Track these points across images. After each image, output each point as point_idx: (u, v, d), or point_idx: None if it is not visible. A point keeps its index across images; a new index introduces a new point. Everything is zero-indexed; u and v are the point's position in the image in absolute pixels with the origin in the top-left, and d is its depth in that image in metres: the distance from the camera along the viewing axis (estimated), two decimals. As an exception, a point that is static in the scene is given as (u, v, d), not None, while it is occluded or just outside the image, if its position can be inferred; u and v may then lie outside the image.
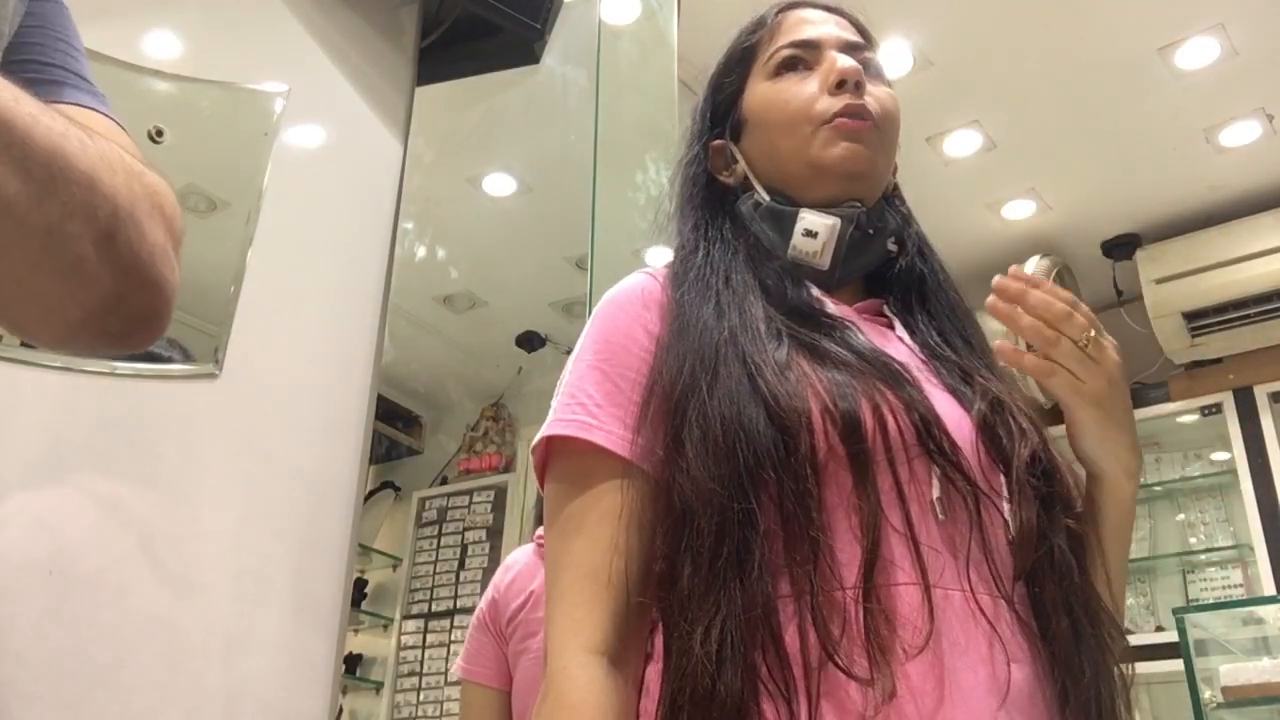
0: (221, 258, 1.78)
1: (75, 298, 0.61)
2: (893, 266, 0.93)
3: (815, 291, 0.86)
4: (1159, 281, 3.52)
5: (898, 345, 0.85)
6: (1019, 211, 3.55)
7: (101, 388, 1.57)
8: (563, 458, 0.78)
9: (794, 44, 0.91)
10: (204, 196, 1.83)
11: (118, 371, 1.59)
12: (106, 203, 0.60)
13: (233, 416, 1.72)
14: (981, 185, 3.40)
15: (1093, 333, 0.78)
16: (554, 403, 0.80)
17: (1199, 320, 3.49)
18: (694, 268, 0.85)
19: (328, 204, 2.00)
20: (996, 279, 0.79)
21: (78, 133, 0.59)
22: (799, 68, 0.91)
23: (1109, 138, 3.18)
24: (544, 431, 0.79)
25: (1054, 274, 3.51)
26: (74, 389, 1.54)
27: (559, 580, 0.75)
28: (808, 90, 0.88)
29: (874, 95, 0.89)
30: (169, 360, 1.65)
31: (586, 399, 0.78)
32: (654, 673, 0.73)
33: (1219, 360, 3.60)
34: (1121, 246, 3.68)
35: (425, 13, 2.29)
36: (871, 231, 0.88)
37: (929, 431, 0.73)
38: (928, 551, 0.70)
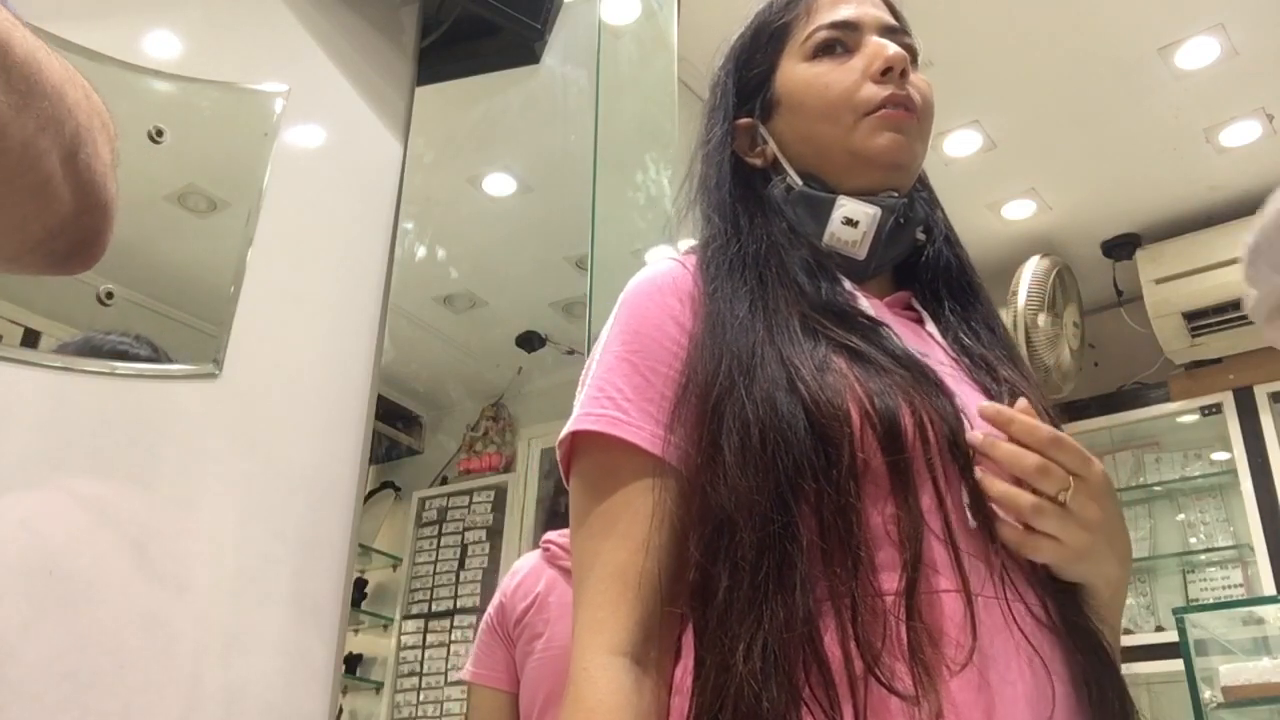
0: (221, 258, 1.78)
1: (40, 216, 0.58)
2: (920, 254, 0.91)
3: (848, 285, 0.84)
4: (1159, 281, 3.52)
5: (931, 344, 0.84)
6: (1019, 211, 3.55)
7: (101, 388, 1.57)
8: (591, 453, 0.76)
9: (833, 25, 0.88)
10: (204, 196, 1.83)
11: (118, 372, 1.59)
12: (71, 118, 0.57)
13: (233, 417, 1.71)
14: (981, 185, 3.40)
15: (1071, 487, 0.69)
16: (580, 395, 0.78)
17: (1199, 320, 3.50)
18: (726, 259, 0.82)
19: (328, 204, 2.00)
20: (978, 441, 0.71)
21: (43, 43, 0.56)
22: (838, 50, 0.88)
23: (1109, 138, 3.18)
24: (571, 426, 0.77)
25: (1054, 274, 3.51)
26: (74, 389, 1.54)
27: (585, 580, 0.73)
28: (850, 76, 0.86)
29: (914, 84, 0.87)
30: (151, 360, 1.65)
31: (616, 393, 0.75)
32: (682, 670, 0.72)
33: (1219, 360, 3.60)
34: (1121, 246, 3.69)
35: (425, 13, 2.29)
36: (903, 221, 0.86)
37: (959, 441, 0.71)
38: (967, 559, 0.68)
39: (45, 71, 0.55)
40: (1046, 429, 0.71)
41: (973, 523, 0.70)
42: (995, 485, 0.70)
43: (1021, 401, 0.74)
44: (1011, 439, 0.71)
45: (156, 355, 1.64)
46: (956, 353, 0.84)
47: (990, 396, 0.78)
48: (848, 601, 0.65)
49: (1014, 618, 0.68)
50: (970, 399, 0.76)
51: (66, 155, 0.58)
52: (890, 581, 0.67)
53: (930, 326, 0.87)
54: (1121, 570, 0.75)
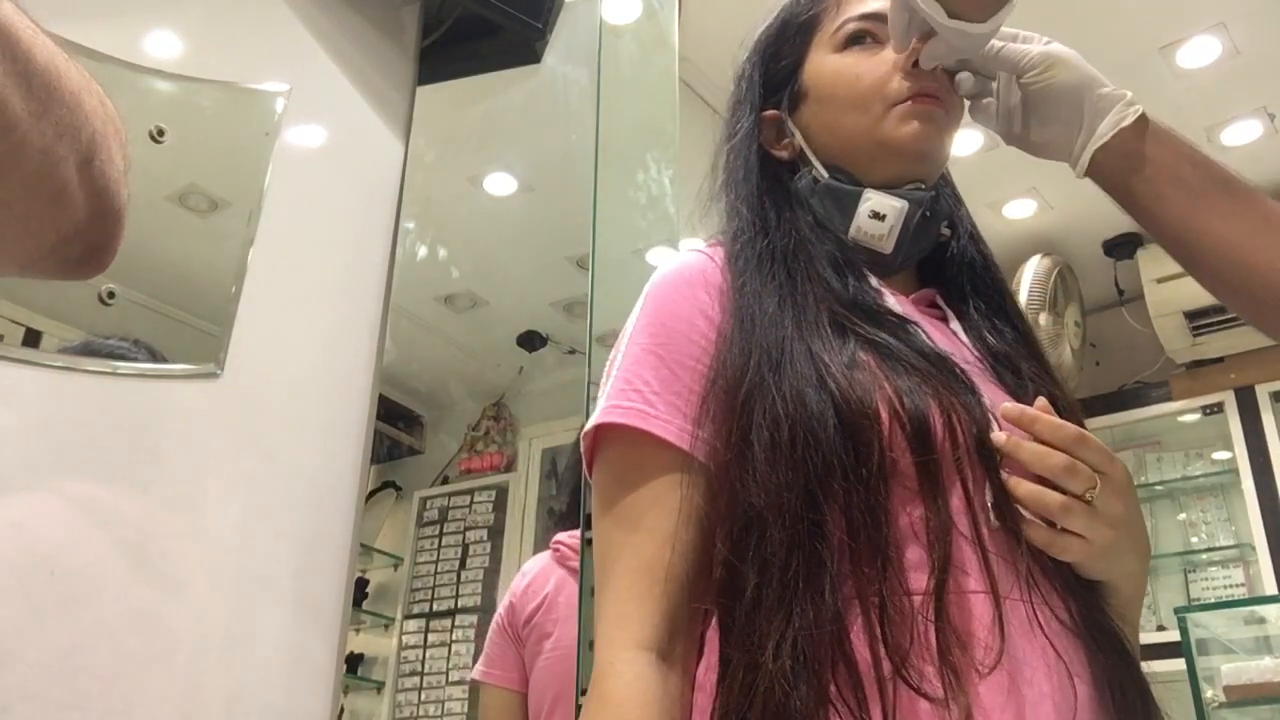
0: (222, 257, 1.78)
1: (55, 223, 0.59)
2: (944, 251, 0.91)
3: (874, 282, 0.83)
4: (1160, 281, 3.51)
5: (956, 343, 0.83)
6: (1020, 211, 3.55)
7: (103, 388, 1.57)
8: (616, 446, 0.75)
9: (864, 16, 0.88)
10: (205, 196, 1.83)
11: (119, 371, 1.59)
12: (87, 125, 0.58)
13: (234, 417, 1.71)
14: (982, 184, 3.40)
15: (1097, 486, 0.70)
16: (605, 387, 0.77)
17: (1200, 319, 3.49)
18: (754, 253, 0.81)
19: (329, 204, 2.00)
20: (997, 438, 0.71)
21: (61, 49, 0.57)
22: (867, 42, 0.88)
23: (1110, 137, 3.17)
24: (598, 418, 0.76)
25: (1055, 273, 3.51)
26: (74, 389, 1.54)
27: (610, 574, 0.72)
28: (881, 67, 0.86)
29: (943, 78, 0.87)
30: (137, 359, 1.65)
31: (643, 385, 0.75)
32: (704, 667, 0.71)
33: (1220, 359, 3.59)
34: (1122, 246, 3.68)
35: (426, 12, 2.29)
36: (929, 215, 0.86)
37: (986, 441, 0.71)
38: (995, 560, 0.68)
39: (64, 79, 0.55)
40: (1071, 427, 0.71)
41: (994, 523, 0.70)
42: (1022, 486, 0.70)
43: (1040, 400, 0.74)
44: (1036, 438, 0.71)
45: (154, 360, 1.65)
46: (981, 351, 0.84)
47: (1015, 395, 0.78)
48: (876, 602, 0.65)
49: (1039, 620, 0.68)
50: (996, 398, 0.76)
51: (82, 162, 0.58)
52: (919, 581, 0.66)
53: (955, 324, 0.86)
54: (1141, 565, 0.75)
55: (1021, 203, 3.50)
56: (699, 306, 0.78)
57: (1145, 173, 0.83)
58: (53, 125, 0.55)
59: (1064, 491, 0.70)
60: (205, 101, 1.82)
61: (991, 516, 0.70)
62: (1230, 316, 3.41)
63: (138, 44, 1.76)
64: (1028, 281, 3.47)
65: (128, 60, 1.71)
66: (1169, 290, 3.49)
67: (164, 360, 1.65)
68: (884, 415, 0.69)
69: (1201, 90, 2.96)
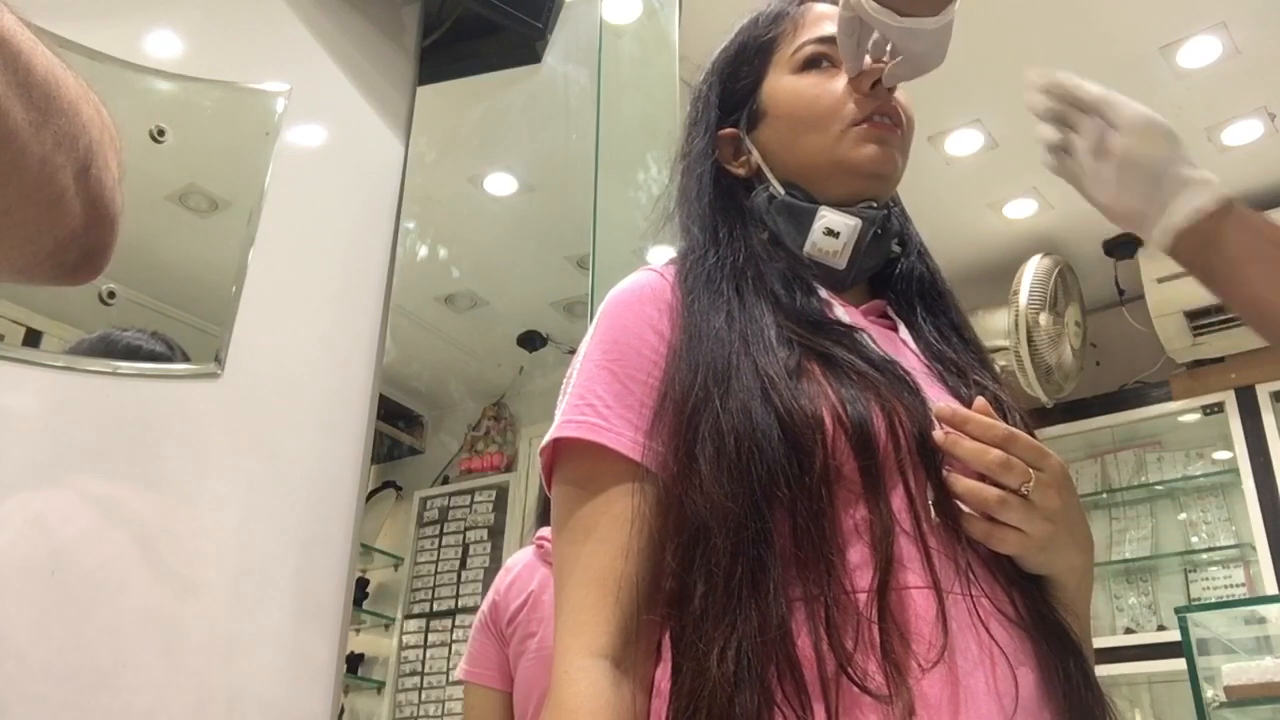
0: (223, 257, 1.78)
1: (52, 230, 0.60)
2: (894, 267, 0.93)
3: (824, 294, 0.86)
4: (1161, 280, 3.51)
5: (904, 350, 0.85)
6: (1020, 210, 3.54)
7: (103, 388, 1.57)
8: (571, 460, 0.78)
9: (820, 40, 0.91)
10: (205, 196, 1.83)
11: (119, 371, 1.59)
12: (84, 134, 0.59)
13: (234, 416, 1.72)
14: (983, 184, 3.40)
15: (1031, 480, 0.72)
16: (561, 403, 0.80)
17: (1201, 319, 3.49)
18: (704, 271, 0.84)
19: (329, 203, 2.00)
20: (936, 434, 0.73)
21: (58, 59, 0.58)
22: (823, 64, 0.91)
23: (1111, 137, 3.17)
24: (552, 434, 0.78)
25: (1056, 273, 3.51)
26: (75, 389, 1.54)
27: (566, 584, 0.74)
28: (838, 89, 0.88)
29: (897, 100, 0.90)
30: (169, 360, 1.65)
31: (596, 400, 0.77)
32: (662, 673, 0.73)
33: (1221, 359, 3.59)
34: (1123, 245, 3.68)
35: (427, 12, 2.30)
36: (881, 233, 0.89)
37: (928, 440, 0.73)
38: (937, 556, 0.70)
39: (63, 88, 0.57)
40: (1001, 425, 0.73)
41: (935, 519, 0.72)
42: (960, 482, 0.72)
43: (979, 400, 0.76)
44: (970, 437, 0.73)
45: (172, 352, 1.65)
46: (929, 359, 0.86)
47: (959, 398, 0.80)
48: (821, 602, 0.67)
49: (979, 613, 0.70)
50: (940, 400, 0.78)
51: (79, 170, 0.59)
52: (863, 580, 0.68)
53: (904, 333, 0.89)
54: (1083, 558, 0.77)
55: (1022, 202, 3.50)
56: (650, 322, 0.80)
57: (1226, 254, 0.85)
58: (51, 134, 0.56)
59: (1001, 487, 0.72)
60: (205, 101, 1.82)
61: (933, 512, 0.72)
62: (1231, 316, 3.41)
63: (138, 44, 1.76)
64: (1028, 281, 3.46)
65: (128, 60, 1.71)
66: (1169, 290, 3.49)
67: (181, 350, 1.66)
68: (828, 422, 0.72)
69: (1201, 90, 2.96)
